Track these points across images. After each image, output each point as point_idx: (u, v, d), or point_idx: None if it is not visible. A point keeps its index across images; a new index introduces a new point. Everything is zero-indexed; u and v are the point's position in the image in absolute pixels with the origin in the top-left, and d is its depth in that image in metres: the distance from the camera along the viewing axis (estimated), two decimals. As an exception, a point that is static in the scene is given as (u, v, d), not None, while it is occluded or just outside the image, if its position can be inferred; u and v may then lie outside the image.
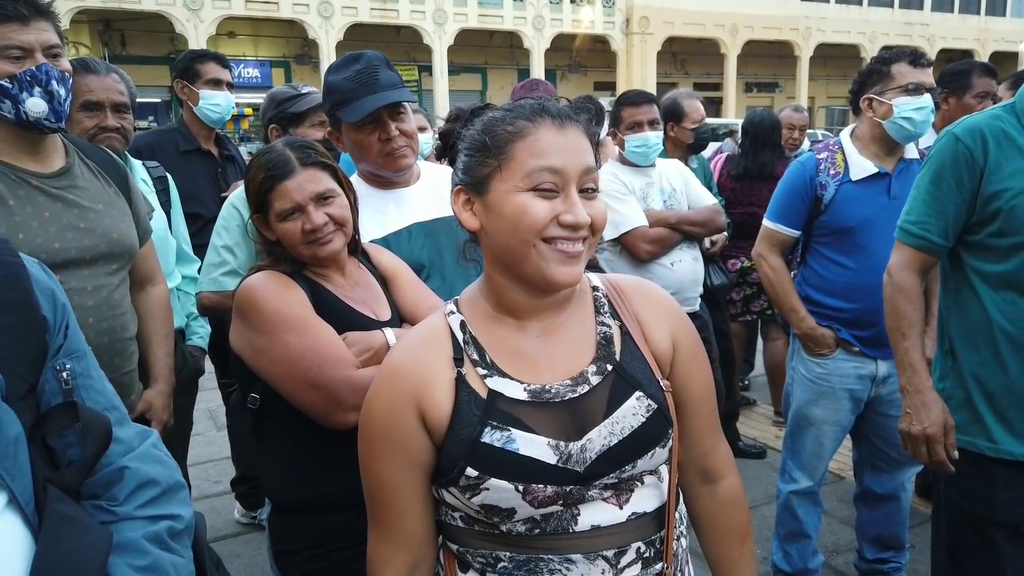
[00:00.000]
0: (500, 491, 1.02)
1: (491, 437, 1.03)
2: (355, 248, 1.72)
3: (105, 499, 1.00)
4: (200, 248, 2.50)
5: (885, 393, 2.53)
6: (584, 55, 28.07)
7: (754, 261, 2.72)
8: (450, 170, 2.32)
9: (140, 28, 21.89)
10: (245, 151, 4.88)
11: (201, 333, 2.69)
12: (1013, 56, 31.32)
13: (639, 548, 1.09)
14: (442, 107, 20.98)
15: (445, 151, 1.12)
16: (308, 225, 1.56)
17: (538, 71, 25.24)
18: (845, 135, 2.56)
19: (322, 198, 1.59)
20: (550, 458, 1.03)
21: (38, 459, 0.93)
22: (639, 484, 1.10)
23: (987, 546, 1.84)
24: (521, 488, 1.02)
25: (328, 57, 22.53)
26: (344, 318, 1.59)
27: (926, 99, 2.35)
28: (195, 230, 2.85)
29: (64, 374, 0.99)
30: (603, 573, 1.06)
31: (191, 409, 2.77)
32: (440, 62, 24.02)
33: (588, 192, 1.05)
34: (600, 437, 1.05)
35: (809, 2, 29.46)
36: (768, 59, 30.41)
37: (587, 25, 26.34)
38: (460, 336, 1.11)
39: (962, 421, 1.85)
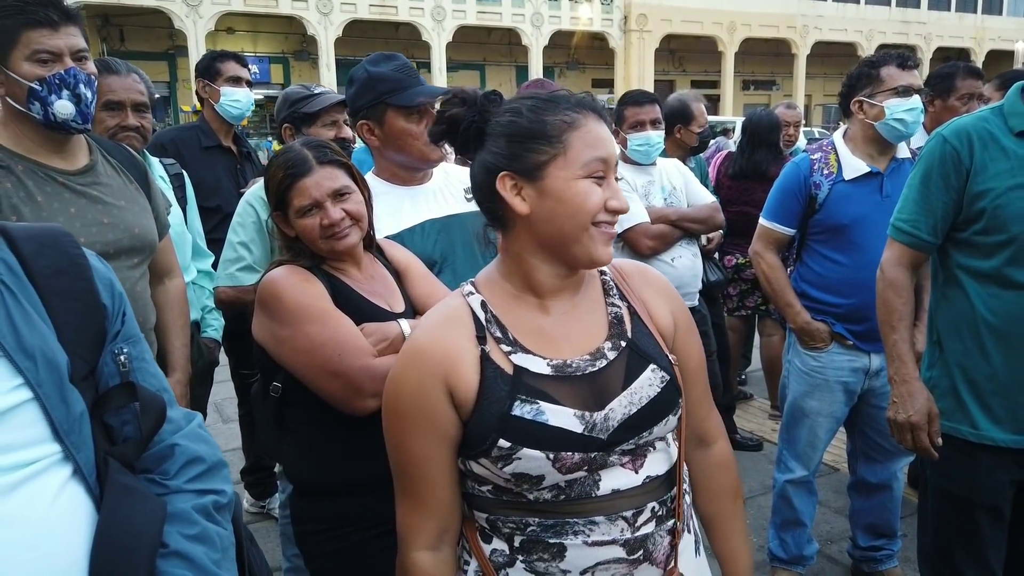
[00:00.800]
0: (532, 460, 1.10)
1: (521, 410, 1.10)
2: (370, 243, 1.80)
3: (157, 473, 1.08)
4: (221, 242, 2.58)
5: (878, 385, 2.61)
6: (582, 52, 28.13)
7: (751, 258, 2.81)
8: (460, 169, 2.41)
9: (139, 24, 21.91)
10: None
11: (216, 326, 2.76)
12: (1009, 55, 31.45)
13: (653, 507, 1.18)
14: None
15: (450, 134, 1.13)
16: (326, 220, 1.64)
17: (536, 68, 25.29)
18: (838, 136, 2.65)
19: (339, 194, 1.67)
20: (576, 427, 1.11)
21: (98, 434, 1.02)
22: (652, 450, 1.19)
23: (970, 528, 1.93)
24: (552, 456, 1.10)
25: (327, 53, 22.56)
26: (361, 310, 1.67)
27: (915, 100, 2.44)
28: (215, 223, 2.94)
29: (122, 357, 1.07)
30: (622, 532, 1.15)
31: (206, 401, 2.85)
32: (439, 59, 24.06)
33: (617, 180, 1.17)
34: (621, 406, 1.14)
35: (807, 0, 29.54)
36: (765, 57, 30.50)
37: (585, 22, 26.40)
38: (482, 315, 1.17)
39: (947, 408, 1.93)
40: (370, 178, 2.03)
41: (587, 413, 1.12)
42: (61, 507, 0.95)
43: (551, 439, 1.10)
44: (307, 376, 1.61)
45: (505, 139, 1.13)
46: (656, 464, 1.20)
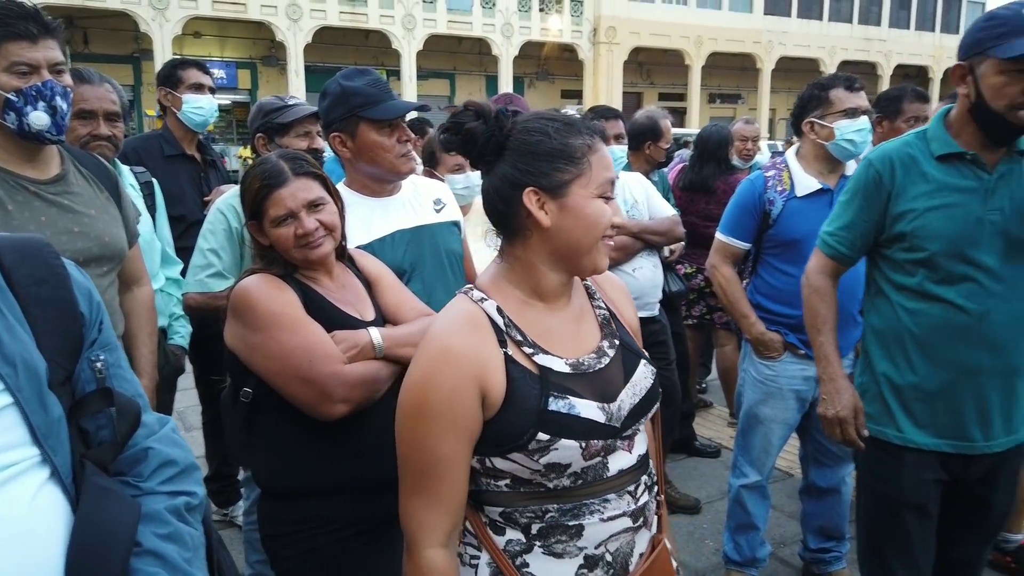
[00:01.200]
0: (567, 449, 1.21)
1: (556, 405, 1.22)
2: (341, 253, 1.85)
3: (131, 476, 1.12)
4: (184, 250, 2.60)
5: (828, 393, 2.72)
6: (552, 63, 28.32)
7: (708, 271, 2.91)
8: (429, 181, 2.47)
9: (104, 26, 21.55)
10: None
11: (183, 333, 2.78)
12: (965, 74, 32.27)
13: (645, 480, 1.36)
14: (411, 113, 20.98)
15: (465, 146, 1.30)
16: (300, 230, 1.69)
17: (506, 78, 25.41)
18: (791, 154, 2.77)
19: (313, 205, 1.72)
20: (600, 418, 1.25)
21: (75, 438, 1.06)
22: (639, 432, 1.35)
23: (898, 525, 2.04)
24: (583, 445, 1.23)
25: (296, 59, 22.43)
26: (332, 318, 1.72)
27: (863, 121, 2.57)
28: (179, 232, 2.96)
29: (98, 364, 1.11)
30: (629, 505, 1.31)
31: (170, 408, 2.86)
32: (409, 67, 24.05)
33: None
34: (628, 398, 1.30)
35: (772, 16, 30.13)
36: (731, 71, 30.99)
37: (555, 34, 26.59)
38: (499, 320, 1.26)
39: (874, 412, 2.05)
40: (341, 189, 2.08)
41: (606, 404, 1.27)
42: (39, 508, 0.98)
43: (583, 429, 1.23)
44: (278, 382, 1.66)
45: (532, 157, 1.24)
46: (641, 444, 1.37)
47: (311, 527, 1.70)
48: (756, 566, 2.92)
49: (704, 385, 5.26)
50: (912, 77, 31.86)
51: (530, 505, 1.26)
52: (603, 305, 1.40)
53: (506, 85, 25.07)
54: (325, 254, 1.74)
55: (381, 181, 2.16)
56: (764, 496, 2.89)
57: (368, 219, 2.12)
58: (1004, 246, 1.84)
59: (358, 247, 2.01)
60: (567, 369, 1.26)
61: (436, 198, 2.30)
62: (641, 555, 1.34)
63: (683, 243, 3.90)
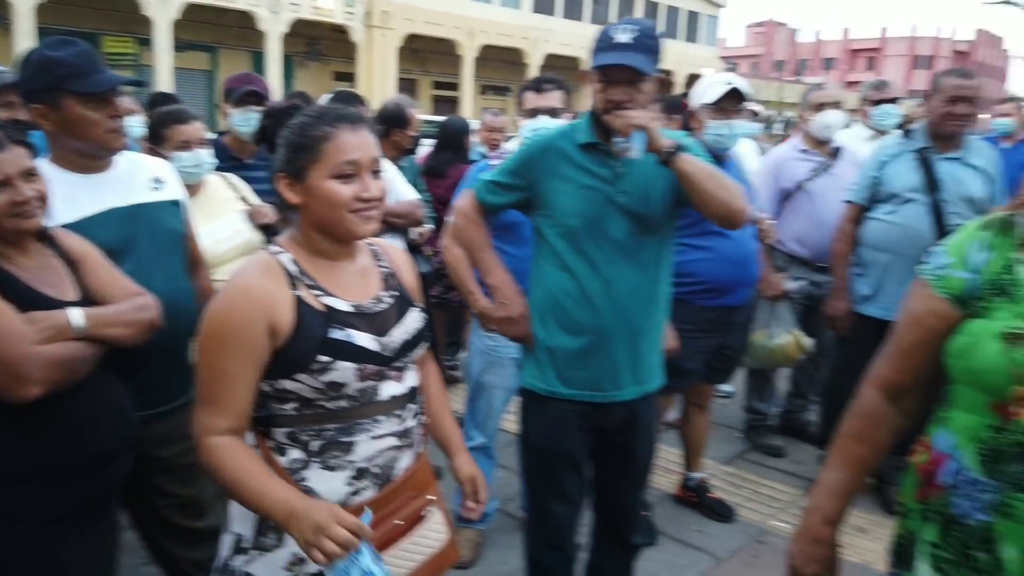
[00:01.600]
0: (344, 370, 1.48)
1: (336, 334, 1.49)
2: (42, 232, 1.79)
3: None
4: None
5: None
6: (325, 44, 27.57)
7: (441, 252, 3.12)
8: (149, 158, 2.43)
9: None
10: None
11: None
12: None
13: (412, 408, 1.64)
14: (165, 85, 19.34)
15: (263, 139, 1.74)
16: (18, 197, 1.65)
17: (274, 56, 24.33)
18: (513, 145, 3.05)
19: (29, 174, 1.69)
20: (374, 347, 1.53)
21: None
22: (410, 368, 1.64)
23: (550, 470, 2.34)
24: (358, 367, 1.49)
25: (25, 20, 19.78)
26: (26, 298, 1.67)
27: (541, 120, 2.89)
28: None
29: None
30: (396, 426, 1.59)
31: None
32: (163, 37, 22.17)
33: (375, 174, 1.52)
34: (400, 334, 1.59)
35: (539, 14, 31.69)
36: (501, 64, 32.15)
37: (327, 13, 25.88)
38: (293, 269, 1.52)
39: (529, 367, 2.34)
40: (44, 165, 1.98)
41: (379, 338, 1.55)
42: None
43: (358, 354, 1.50)
44: None
45: (282, 149, 1.51)
46: (412, 378, 1.65)
47: (3, 517, 1.64)
48: (483, 521, 3.18)
49: (457, 362, 5.53)
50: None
51: (312, 426, 1.50)
52: (386, 265, 1.68)
53: (274, 63, 24.03)
54: (37, 226, 1.72)
55: (89, 156, 2.08)
56: (489, 456, 3.16)
57: (75, 196, 2.03)
58: (629, 224, 2.18)
59: (64, 226, 1.93)
60: (350, 309, 1.53)
61: (155, 176, 2.26)
62: (405, 469, 1.61)
63: (431, 226, 4.11)
